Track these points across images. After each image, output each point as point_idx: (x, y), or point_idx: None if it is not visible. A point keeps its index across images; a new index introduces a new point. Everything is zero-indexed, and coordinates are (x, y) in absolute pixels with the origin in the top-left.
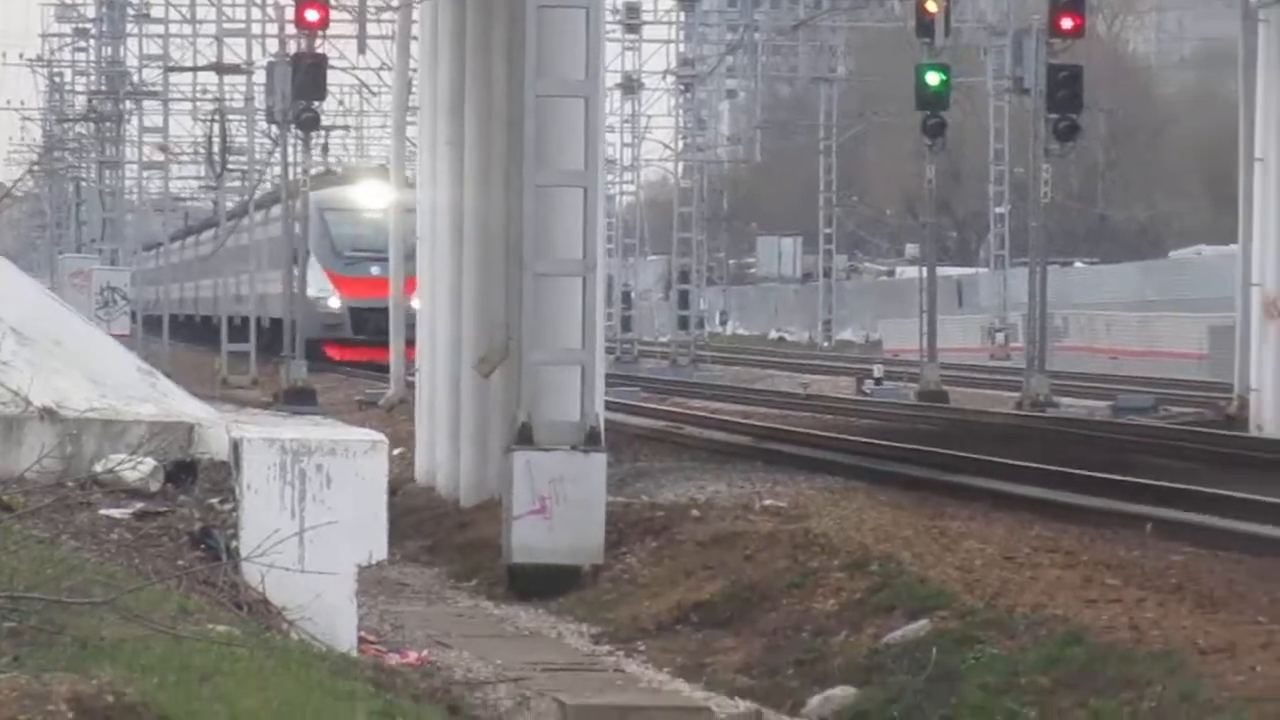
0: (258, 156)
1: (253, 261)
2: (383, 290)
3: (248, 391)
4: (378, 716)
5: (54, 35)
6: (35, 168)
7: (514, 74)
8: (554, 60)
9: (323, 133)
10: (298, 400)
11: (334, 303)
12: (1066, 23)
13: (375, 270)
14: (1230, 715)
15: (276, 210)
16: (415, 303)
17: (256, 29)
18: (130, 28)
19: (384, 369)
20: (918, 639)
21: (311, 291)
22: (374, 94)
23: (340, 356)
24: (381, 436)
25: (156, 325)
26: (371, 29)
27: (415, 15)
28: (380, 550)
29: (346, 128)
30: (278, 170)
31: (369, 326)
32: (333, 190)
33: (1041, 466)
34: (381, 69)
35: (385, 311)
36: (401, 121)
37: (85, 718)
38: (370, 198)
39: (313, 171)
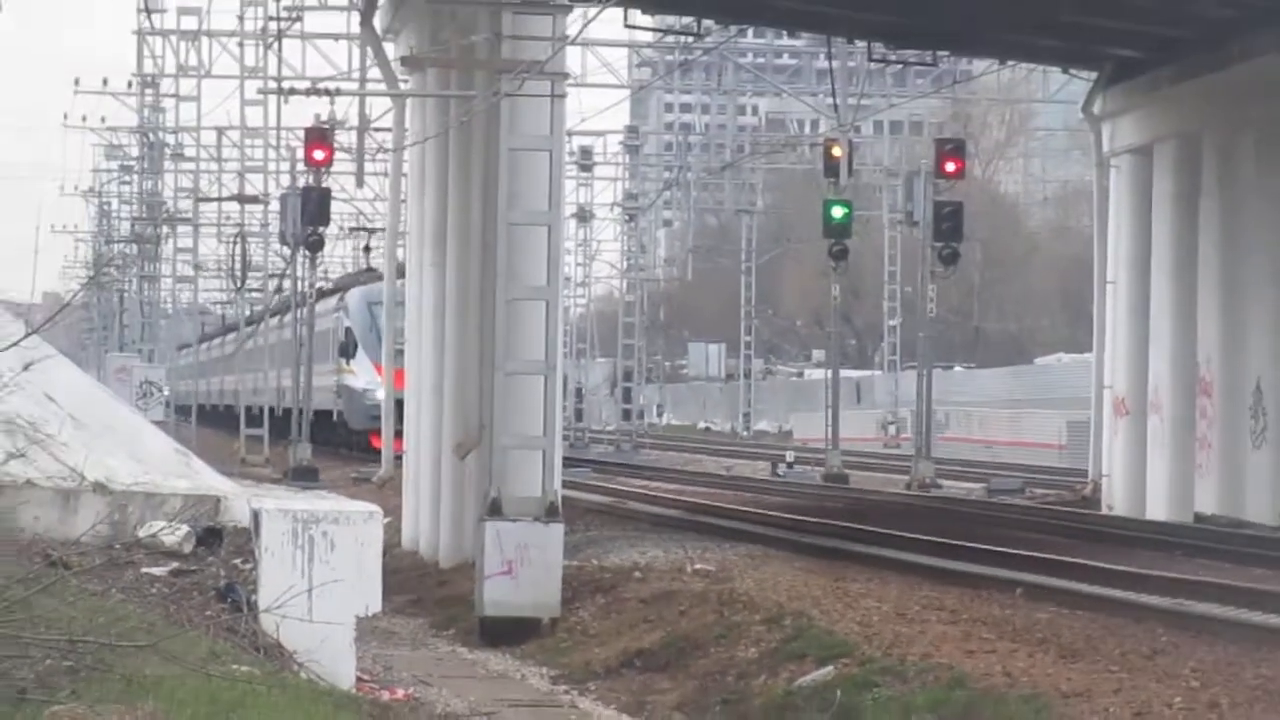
0: (272, 272)
1: (267, 359)
2: None
3: (261, 469)
4: None
5: (103, 170)
6: (89, 280)
7: (489, 206)
8: (522, 194)
9: (366, 234)
10: (303, 477)
11: (381, 394)
12: (949, 166)
13: None
14: None
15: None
16: None
17: (272, 166)
18: (167, 165)
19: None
20: (825, 682)
21: (360, 384)
22: (370, 221)
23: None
24: (376, 508)
25: (187, 413)
26: (369, 167)
27: (406, 156)
28: (375, 604)
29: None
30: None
31: None
32: (380, 285)
33: (928, 538)
34: (376, 200)
35: None
36: (393, 246)
37: None
38: None
39: (359, 267)
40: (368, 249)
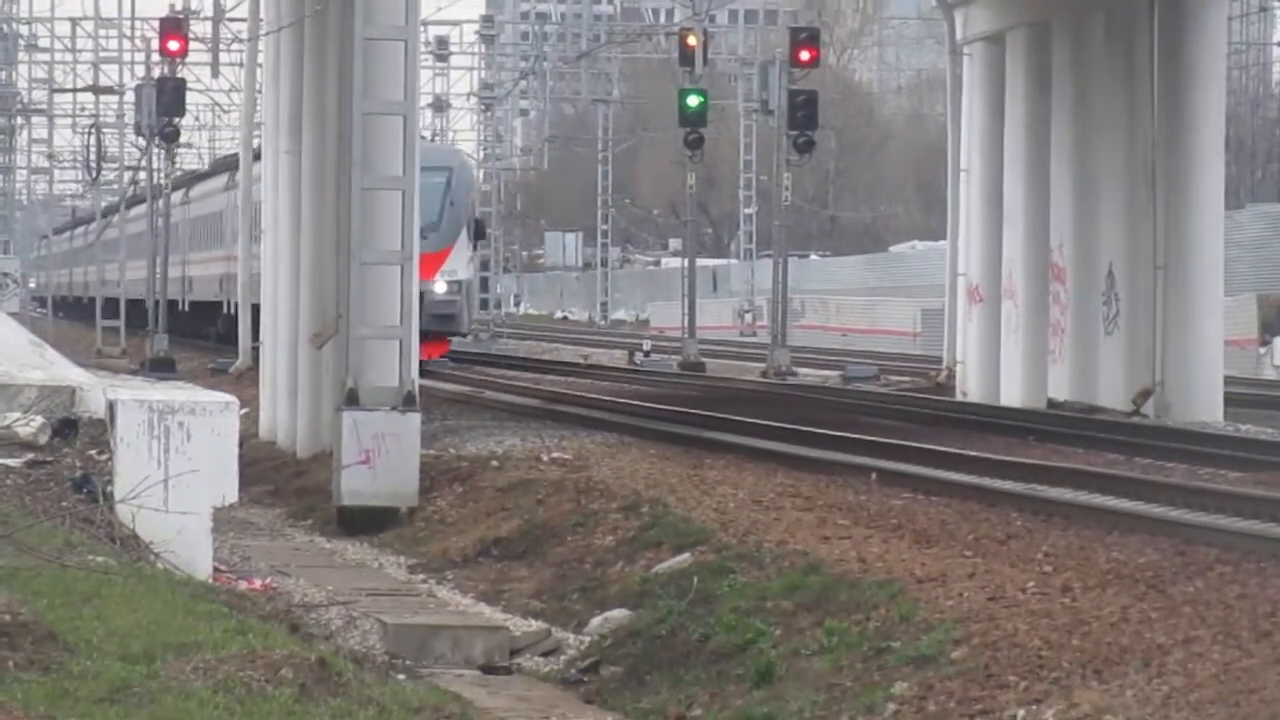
0: (128, 163)
1: (123, 250)
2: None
3: (118, 360)
4: (232, 633)
5: None
6: None
7: (344, 95)
8: (377, 84)
9: None
10: (160, 368)
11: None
12: (804, 55)
13: None
14: (941, 632)
15: (216, 186)
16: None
17: (127, 57)
18: (21, 55)
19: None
20: (681, 570)
21: None
22: (225, 111)
23: None
24: (233, 398)
25: (44, 304)
26: (224, 57)
27: (261, 46)
28: (232, 494)
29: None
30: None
31: None
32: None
33: (784, 425)
34: (232, 90)
35: None
36: (249, 135)
37: None
38: None
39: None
40: None
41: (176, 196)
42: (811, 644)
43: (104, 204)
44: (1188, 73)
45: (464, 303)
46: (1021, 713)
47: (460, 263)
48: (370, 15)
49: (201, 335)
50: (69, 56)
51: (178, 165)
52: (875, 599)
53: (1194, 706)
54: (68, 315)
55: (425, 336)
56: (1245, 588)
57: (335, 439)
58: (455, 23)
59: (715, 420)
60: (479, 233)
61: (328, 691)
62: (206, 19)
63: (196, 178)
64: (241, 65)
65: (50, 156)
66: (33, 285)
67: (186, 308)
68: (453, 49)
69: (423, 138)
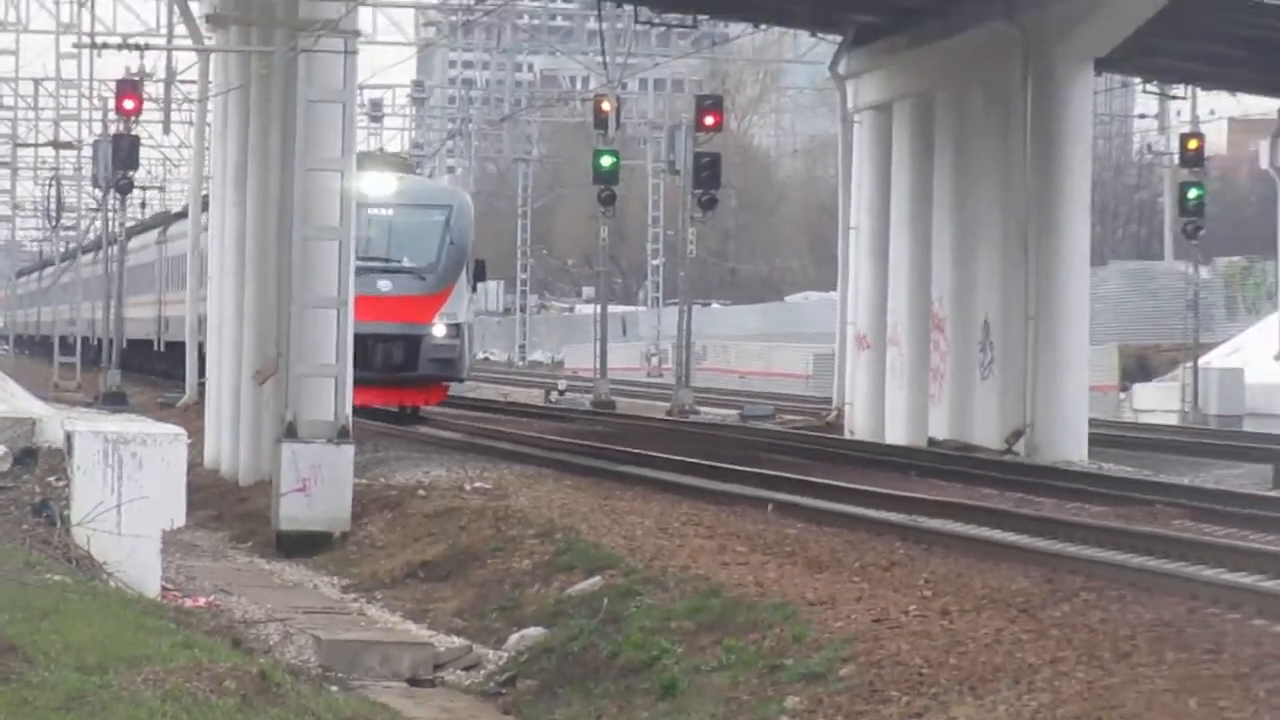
0: (84, 212)
1: (79, 293)
2: (398, 312)
3: (74, 394)
4: (179, 646)
5: None
6: None
7: (286, 152)
8: (317, 142)
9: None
10: (112, 401)
11: (441, 331)
12: (708, 120)
13: (384, 286)
14: (831, 651)
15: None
16: None
17: (86, 115)
18: None
19: (396, 417)
20: (592, 592)
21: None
22: (175, 166)
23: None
24: (181, 430)
25: (4, 340)
26: (175, 116)
27: (210, 106)
28: (180, 518)
29: (158, 189)
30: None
31: (375, 360)
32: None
33: (688, 459)
34: (181, 146)
35: (400, 340)
36: (198, 187)
37: None
38: (381, 189)
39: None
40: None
41: (86, 258)
42: (712, 661)
43: (61, 249)
44: (1057, 141)
45: (463, 347)
46: None
47: (460, 305)
48: (311, 79)
49: (138, 369)
50: (31, 114)
51: (129, 216)
52: (770, 620)
53: None
54: (31, 352)
55: (423, 381)
56: (1107, 613)
57: (275, 468)
58: (389, 86)
59: (624, 454)
60: (479, 274)
61: (268, 701)
62: (159, 81)
63: (131, 231)
64: (191, 123)
65: (14, 206)
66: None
67: (124, 345)
68: (386, 111)
69: (417, 175)
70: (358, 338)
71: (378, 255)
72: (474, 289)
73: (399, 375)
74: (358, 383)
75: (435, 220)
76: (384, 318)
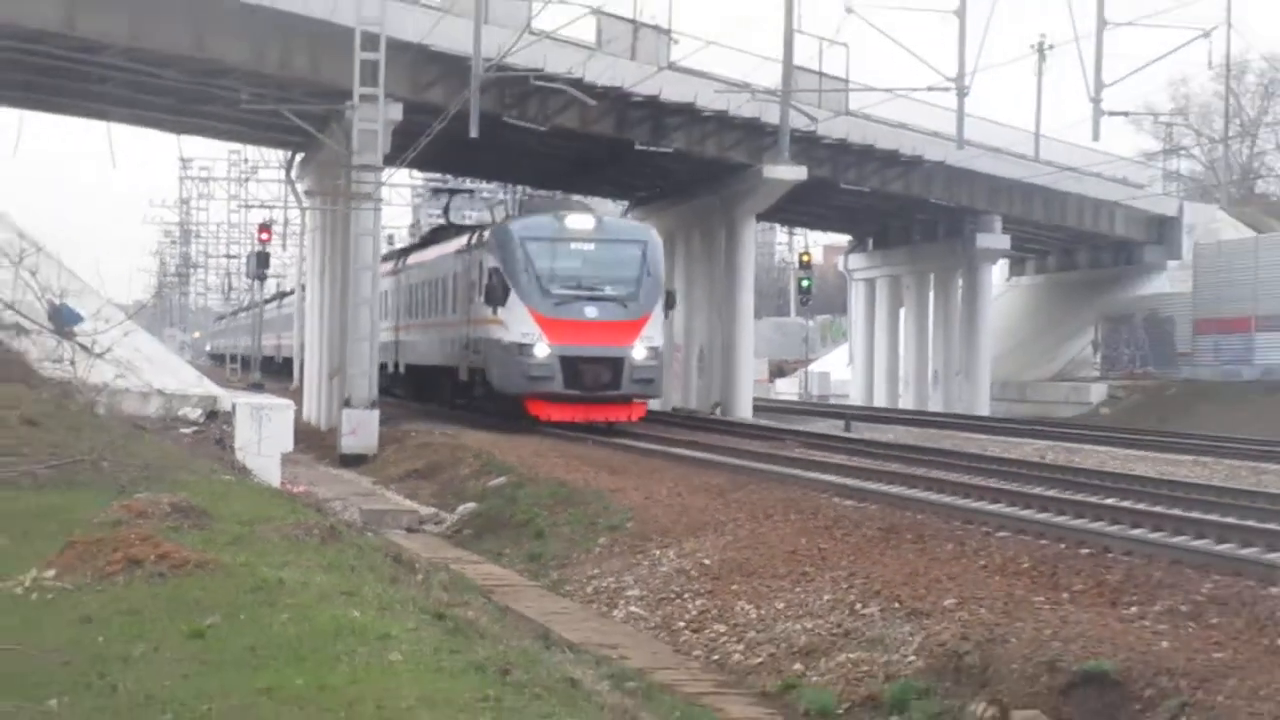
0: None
1: (255, 329)
2: (604, 337)
3: (236, 383)
4: (289, 511)
5: (165, 240)
6: (155, 294)
7: (345, 260)
8: (359, 256)
9: (447, 195)
10: (255, 387)
11: (541, 350)
12: None
13: (591, 312)
14: (621, 515)
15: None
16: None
17: (242, 241)
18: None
19: (596, 429)
20: (501, 485)
21: (511, 337)
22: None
23: (545, 416)
24: (291, 402)
25: (214, 358)
26: (290, 242)
27: (307, 236)
28: (289, 446)
29: (278, 278)
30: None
31: (584, 380)
32: (537, 219)
33: (563, 420)
34: (291, 257)
35: (607, 362)
36: (299, 276)
37: (175, 509)
38: (584, 224)
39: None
40: (447, 209)
41: (270, 306)
42: (562, 520)
43: (230, 309)
44: (738, 257)
45: (660, 367)
46: (658, 551)
47: (656, 329)
48: (357, 223)
49: (267, 371)
50: (214, 241)
51: (264, 291)
52: (591, 499)
53: (736, 549)
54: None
55: (626, 399)
56: (761, 495)
57: (339, 422)
58: (398, 226)
59: (521, 418)
60: (670, 303)
61: (335, 540)
62: (278, 223)
63: (265, 301)
64: (297, 244)
65: (207, 288)
66: (208, 348)
67: (260, 358)
68: (395, 240)
69: (609, 215)
70: (567, 360)
71: (584, 284)
72: (667, 315)
73: (605, 394)
74: (564, 400)
75: (633, 253)
76: (592, 341)
